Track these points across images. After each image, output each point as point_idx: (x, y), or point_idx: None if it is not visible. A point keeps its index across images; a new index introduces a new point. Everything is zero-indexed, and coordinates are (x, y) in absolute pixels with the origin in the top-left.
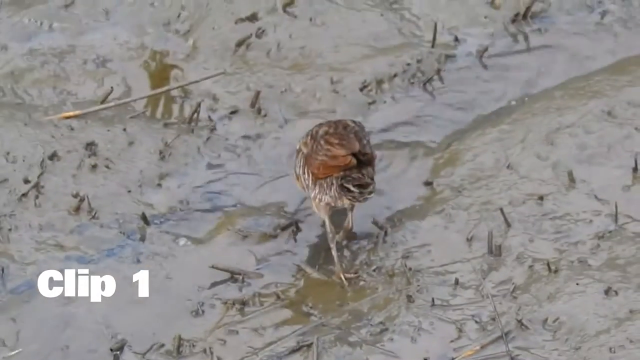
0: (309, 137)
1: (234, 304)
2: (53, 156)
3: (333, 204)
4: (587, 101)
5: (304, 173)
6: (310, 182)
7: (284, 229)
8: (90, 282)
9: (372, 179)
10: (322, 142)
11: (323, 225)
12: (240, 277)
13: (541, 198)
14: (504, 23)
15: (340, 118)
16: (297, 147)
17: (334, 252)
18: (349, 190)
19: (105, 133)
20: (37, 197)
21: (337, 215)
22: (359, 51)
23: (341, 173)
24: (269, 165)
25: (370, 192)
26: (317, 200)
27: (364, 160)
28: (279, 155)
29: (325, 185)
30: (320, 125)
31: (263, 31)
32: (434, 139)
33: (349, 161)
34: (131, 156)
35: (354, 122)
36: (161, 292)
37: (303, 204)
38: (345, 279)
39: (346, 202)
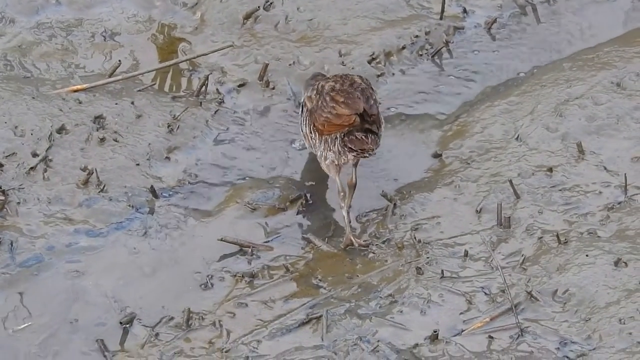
0: (314, 92)
1: (243, 276)
2: (61, 130)
3: (337, 162)
4: (596, 73)
5: (310, 132)
6: (317, 139)
7: (293, 201)
8: (99, 256)
9: (378, 136)
10: (327, 98)
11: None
12: (249, 250)
13: (550, 170)
14: None
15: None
16: (302, 100)
17: (344, 213)
18: (351, 149)
19: (113, 106)
20: (45, 170)
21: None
22: (367, 23)
23: (345, 129)
24: (277, 138)
25: (373, 152)
26: (323, 158)
27: (369, 121)
28: (287, 128)
29: (329, 141)
30: (327, 79)
31: (271, 4)
32: (443, 111)
33: (353, 121)
34: (139, 129)
35: (361, 78)
36: (170, 265)
37: (312, 177)
38: (356, 242)
39: (350, 158)
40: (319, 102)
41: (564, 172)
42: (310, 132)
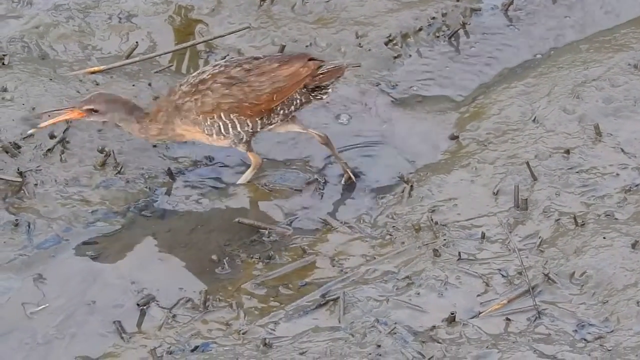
0: (223, 88)
1: (260, 258)
2: None
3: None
4: (613, 54)
5: (245, 126)
6: (251, 125)
7: (309, 183)
8: (116, 237)
9: None
10: (252, 78)
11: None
12: (266, 232)
13: (567, 152)
14: None
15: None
16: (194, 118)
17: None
18: (326, 87)
19: (130, 88)
20: (62, 152)
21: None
22: (383, 5)
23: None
24: None
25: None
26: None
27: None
28: (304, 109)
29: (279, 109)
30: (213, 75)
31: None
32: (460, 93)
33: (313, 66)
34: None
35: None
36: (187, 247)
37: (328, 159)
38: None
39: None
40: (241, 90)
41: (581, 154)
42: (246, 126)
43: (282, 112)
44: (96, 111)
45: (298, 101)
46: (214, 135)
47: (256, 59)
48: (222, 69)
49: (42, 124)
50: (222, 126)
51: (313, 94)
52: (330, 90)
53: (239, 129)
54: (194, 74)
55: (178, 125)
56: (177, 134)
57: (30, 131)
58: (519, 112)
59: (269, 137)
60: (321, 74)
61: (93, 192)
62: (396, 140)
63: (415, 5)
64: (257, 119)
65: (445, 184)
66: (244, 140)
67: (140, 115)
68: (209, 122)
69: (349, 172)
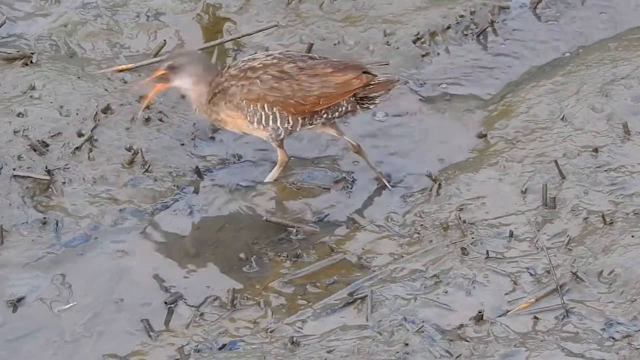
0: (272, 81)
1: (287, 256)
2: (106, 109)
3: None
4: None
5: (286, 123)
6: (292, 123)
7: (337, 181)
8: (144, 235)
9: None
10: (303, 77)
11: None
12: (294, 230)
13: (596, 150)
14: None
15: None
16: (238, 102)
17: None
18: (374, 98)
19: None
20: (90, 150)
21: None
22: (412, 3)
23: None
24: None
25: None
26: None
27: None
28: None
29: (323, 112)
30: (264, 65)
31: None
32: (488, 91)
33: (365, 79)
34: (184, 109)
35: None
36: (215, 245)
37: (356, 157)
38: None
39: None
40: (291, 87)
41: (609, 152)
42: (286, 123)
43: (325, 116)
44: (175, 67)
45: (344, 109)
46: (255, 124)
47: (312, 58)
48: (275, 61)
49: (141, 105)
50: (263, 116)
51: (360, 103)
52: (378, 101)
53: (278, 123)
54: (244, 59)
55: (222, 109)
56: (220, 119)
57: (116, 68)
58: (547, 110)
59: (298, 135)
60: (371, 86)
61: (121, 190)
62: (424, 138)
63: (443, 4)
64: (299, 118)
65: (473, 182)
66: (281, 136)
67: (211, 81)
68: (251, 109)
69: (384, 180)
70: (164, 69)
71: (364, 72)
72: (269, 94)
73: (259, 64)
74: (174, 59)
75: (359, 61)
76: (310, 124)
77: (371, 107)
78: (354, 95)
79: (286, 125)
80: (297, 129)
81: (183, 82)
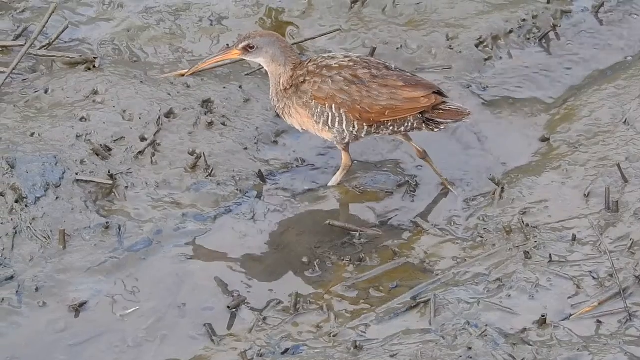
0: (342, 83)
1: (350, 260)
2: (169, 114)
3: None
4: None
5: (351, 127)
6: (357, 129)
7: (400, 185)
8: (207, 240)
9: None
10: (373, 86)
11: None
12: (357, 234)
13: None
14: None
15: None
16: (307, 101)
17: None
18: (440, 123)
19: (221, 90)
20: (153, 154)
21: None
22: (474, 7)
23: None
24: None
25: None
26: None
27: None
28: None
29: (389, 124)
30: (339, 66)
31: None
32: (551, 95)
33: (434, 100)
34: (247, 113)
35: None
36: (278, 249)
37: (420, 160)
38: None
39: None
40: (361, 92)
41: None
42: (350, 127)
43: (391, 128)
44: (252, 47)
45: (410, 124)
46: (321, 125)
47: (388, 68)
48: (351, 64)
49: (201, 65)
50: (330, 117)
51: (426, 123)
52: (443, 127)
53: (344, 126)
54: (324, 55)
55: (293, 103)
56: (289, 112)
57: (179, 72)
58: (609, 114)
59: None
60: (441, 110)
61: (183, 194)
62: (487, 142)
63: (505, 8)
64: (364, 124)
65: (536, 186)
66: (346, 140)
67: (293, 63)
68: (319, 110)
69: (449, 187)
70: (240, 48)
71: (435, 93)
72: (337, 95)
73: (335, 63)
74: (251, 39)
75: (432, 82)
76: (376, 133)
77: (435, 130)
78: (422, 114)
79: (351, 129)
80: (362, 135)
81: (260, 60)
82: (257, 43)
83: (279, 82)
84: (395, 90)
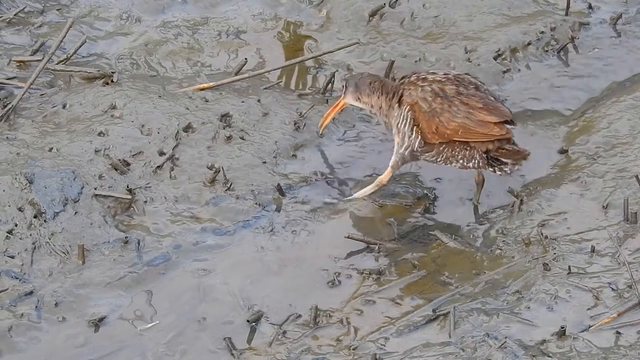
0: (428, 93)
1: (370, 274)
2: (188, 128)
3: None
4: None
5: (414, 133)
6: (418, 142)
7: (419, 198)
8: (226, 254)
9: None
10: (456, 102)
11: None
12: (376, 247)
13: None
14: None
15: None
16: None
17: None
18: (501, 162)
19: (239, 104)
20: (172, 169)
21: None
22: (492, 20)
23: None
24: None
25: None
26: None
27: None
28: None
29: (455, 150)
30: (433, 80)
31: (396, 0)
32: (569, 107)
33: (505, 132)
34: (266, 127)
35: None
36: (297, 263)
37: (439, 173)
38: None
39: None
40: (444, 106)
41: None
42: (413, 134)
43: (460, 161)
44: (345, 87)
45: (476, 162)
46: (394, 127)
47: (477, 88)
48: (443, 79)
49: (322, 124)
50: (401, 121)
51: (490, 162)
52: (506, 169)
53: (407, 135)
54: (428, 71)
55: (391, 111)
56: (390, 123)
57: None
58: (628, 125)
59: (378, 149)
60: (505, 148)
61: (202, 208)
62: None
63: (523, 20)
64: (435, 140)
65: (555, 197)
66: (401, 154)
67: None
68: (396, 113)
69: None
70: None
71: (507, 122)
72: (421, 104)
73: (431, 77)
74: (346, 80)
75: (509, 111)
76: (434, 159)
77: (497, 172)
78: (487, 152)
79: (417, 142)
80: (417, 151)
81: (349, 100)
82: (347, 82)
83: (378, 109)
84: (473, 110)
